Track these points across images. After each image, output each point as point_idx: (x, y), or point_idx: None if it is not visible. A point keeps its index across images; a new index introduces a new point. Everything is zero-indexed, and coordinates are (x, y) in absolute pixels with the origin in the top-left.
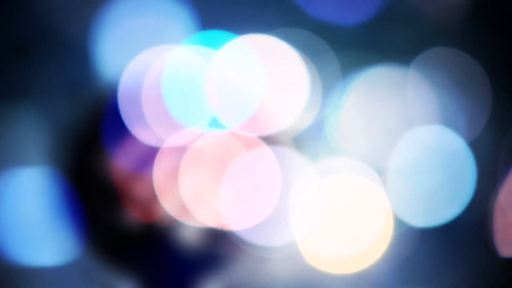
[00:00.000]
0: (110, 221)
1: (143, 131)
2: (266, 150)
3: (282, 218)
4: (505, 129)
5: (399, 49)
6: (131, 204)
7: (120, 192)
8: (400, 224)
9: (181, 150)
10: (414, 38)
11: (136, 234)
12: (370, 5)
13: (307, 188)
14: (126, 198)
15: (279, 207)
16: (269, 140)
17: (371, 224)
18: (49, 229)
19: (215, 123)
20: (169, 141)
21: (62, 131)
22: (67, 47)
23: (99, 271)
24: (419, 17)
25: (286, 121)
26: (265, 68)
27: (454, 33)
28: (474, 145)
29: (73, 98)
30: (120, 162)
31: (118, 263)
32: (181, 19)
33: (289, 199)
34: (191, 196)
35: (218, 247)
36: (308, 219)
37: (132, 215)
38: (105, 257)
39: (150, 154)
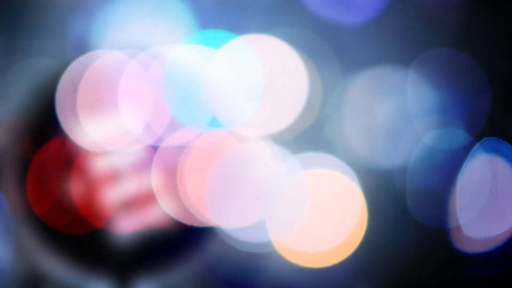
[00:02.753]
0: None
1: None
2: (264, 150)
3: (272, 215)
4: (504, 129)
5: (399, 49)
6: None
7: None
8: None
9: (179, 149)
10: (414, 39)
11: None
12: (371, 6)
13: (296, 187)
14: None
15: (271, 205)
16: (268, 139)
17: (346, 220)
18: None
19: (214, 122)
20: (169, 140)
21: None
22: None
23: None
24: (419, 18)
25: (286, 121)
26: (265, 68)
27: (454, 33)
28: (474, 144)
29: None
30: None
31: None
32: (181, 18)
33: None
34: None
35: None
36: (293, 217)
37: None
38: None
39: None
